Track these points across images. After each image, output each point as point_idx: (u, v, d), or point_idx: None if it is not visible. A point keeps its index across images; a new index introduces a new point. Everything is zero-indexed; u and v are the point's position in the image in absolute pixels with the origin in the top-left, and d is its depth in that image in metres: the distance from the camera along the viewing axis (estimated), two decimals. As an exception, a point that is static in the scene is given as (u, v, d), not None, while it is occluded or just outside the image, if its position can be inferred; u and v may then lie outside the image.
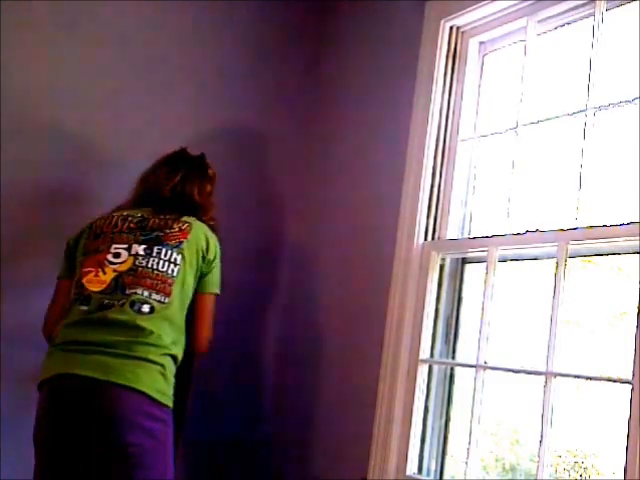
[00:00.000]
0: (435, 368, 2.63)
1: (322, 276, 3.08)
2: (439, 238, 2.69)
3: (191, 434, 2.78)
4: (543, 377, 2.21)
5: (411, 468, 2.57)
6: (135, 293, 2.23)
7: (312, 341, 3.05)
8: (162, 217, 2.38)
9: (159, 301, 2.24)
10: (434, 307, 2.64)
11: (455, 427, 2.59)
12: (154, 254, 2.30)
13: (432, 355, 2.63)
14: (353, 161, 3.06)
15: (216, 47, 3.15)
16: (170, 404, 2.20)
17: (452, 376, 2.63)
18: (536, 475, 2.17)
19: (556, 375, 2.19)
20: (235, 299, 3.08)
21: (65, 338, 2.21)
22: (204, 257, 2.38)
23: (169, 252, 2.31)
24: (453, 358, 2.65)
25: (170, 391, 2.21)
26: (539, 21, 2.56)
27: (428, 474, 2.58)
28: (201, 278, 2.39)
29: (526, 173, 2.51)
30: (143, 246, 2.31)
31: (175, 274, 2.29)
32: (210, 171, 2.57)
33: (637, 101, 2.22)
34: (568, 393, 2.23)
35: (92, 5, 2.88)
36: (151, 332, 2.19)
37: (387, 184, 2.85)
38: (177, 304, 2.29)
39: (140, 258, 2.29)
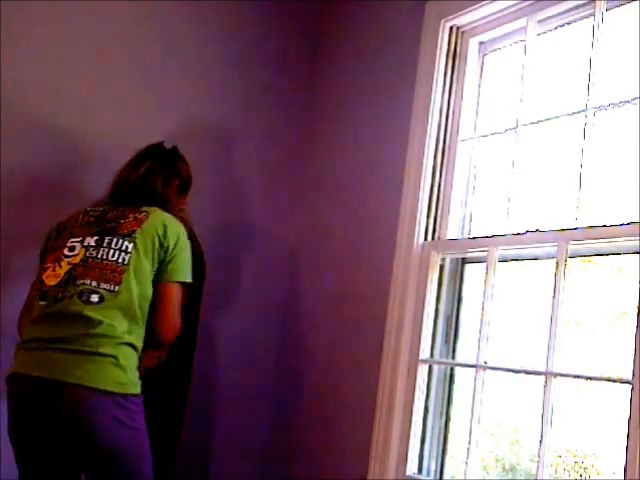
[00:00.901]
0: (435, 368, 2.63)
1: (322, 276, 3.08)
2: (439, 238, 2.69)
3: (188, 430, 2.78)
4: (543, 377, 2.21)
5: (411, 468, 2.57)
6: (83, 284, 2.21)
7: (312, 341, 3.05)
8: (121, 209, 2.35)
9: (108, 290, 2.21)
10: (434, 307, 2.64)
11: (455, 427, 2.59)
12: (104, 244, 2.28)
13: (432, 355, 2.63)
14: (353, 161, 3.06)
15: (213, 46, 3.15)
16: (134, 390, 2.17)
17: (452, 376, 2.63)
18: (536, 475, 2.17)
19: (556, 375, 2.19)
20: (231, 298, 3.09)
21: (27, 336, 2.24)
22: (161, 244, 2.29)
23: (120, 241, 2.28)
24: (453, 358, 2.65)
25: (130, 379, 2.17)
26: (539, 21, 2.56)
27: (428, 474, 2.58)
28: (162, 267, 2.31)
29: (526, 173, 2.51)
30: (95, 237, 2.30)
31: (126, 262, 2.25)
32: (181, 164, 2.53)
33: (637, 101, 2.22)
34: (568, 393, 2.23)
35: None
36: (100, 322, 2.16)
37: (387, 184, 2.85)
38: (130, 292, 2.23)
39: (91, 249, 2.28)
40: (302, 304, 3.15)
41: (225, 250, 3.07)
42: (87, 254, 2.27)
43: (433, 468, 2.59)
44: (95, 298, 2.20)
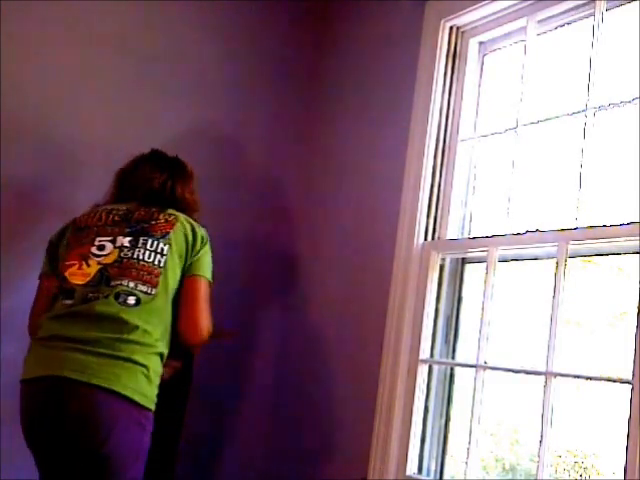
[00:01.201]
0: (435, 368, 2.63)
1: (322, 276, 3.08)
2: (439, 238, 2.69)
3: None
4: (543, 377, 2.21)
5: (411, 468, 2.57)
6: (120, 285, 2.16)
7: (312, 341, 3.05)
8: (147, 209, 2.32)
9: (145, 292, 2.17)
10: (434, 307, 2.64)
11: (455, 427, 2.59)
12: (139, 245, 2.23)
13: (432, 355, 2.63)
14: (353, 161, 3.06)
15: (212, 46, 3.15)
16: (151, 407, 2.14)
17: (452, 376, 2.63)
18: (536, 475, 2.17)
19: (556, 375, 2.19)
20: (231, 298, 3.09)
21: (48, 332, 2.15)
22: (193, 247, 2.28)
23: (155, 242, 2.24)
24: (453, 358, 2.65)
25: (153, 393, 2.15)
26: (539, 21, 2.56)
27: (428, 474, 2.58)
28: (187, 264, 2.27)
29: (526, 173, 2.51)
30: (128, 238, 2.25)
31: (162, 264, 2.22)
32: (189, 168, 2.53)
33: (637, 101, 2.22)
34: (568, 393, 2.23)
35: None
36: (136, 327, 2.11)
37: (387, 184, 2.85)
38: (166, 295, 2.21)
39: (125, 250, 2.23)
40: (302, 304, 3.15)
41: (225, 251, 3.07)
42: (122, 254, 2.22)
43: (433, 468, 2.59)
44: (132, 300, 2.15)
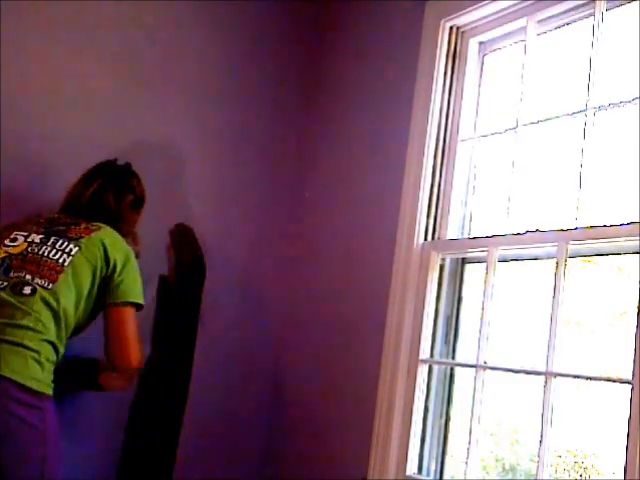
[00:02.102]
0: (435, 368, 2.63)
1: (322, 276, 3.08)
2: (439, 238, 2.69)
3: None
4: (543, 377, 2.21)
5: (411, 468, 2.57)
6: (18, 276, 2.18)
7: (312, 341, 3.05)
8: (74, 218, 2.35)
9: (42, 285, 2.18)
10: (434, 307, 2.64)
11: (455, 427, 2.60)
12: (49, 243, 2.26)
13: (432, 355, 2.63)
14: (353, 161, 3.06)
15: (212, 47, 3.14)
16: (48, 391, 2.11)
17: (452, 376, 2.63)
18: (536, 475, 2.17)
19: (556, 375, 2.19)
20: (230, 297, 3.09)
21: None
22: (107, 257, 2.28)
23: (65, 243, 2.26)
24: (453, 358, 2.65)
25: (48, 379, 2.12)
26: (539, 21, 2.56)
27: (428, 474, 2.58)
28: (110, 285, 2.28)
29: (526, 173, 2.51)
30: (41, 235, 2.28)
31: (66, 264, 2.23)
32: (133, 180, 2.53)
33: (637, 101, 2.22)
34: (568, 393, 2.23)
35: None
36: (28, 314, 2.12)
37: (387, 184, 2.85)
38: (65, 294, 2.20)
39: (34, 245, 2.26)
40: (302, 304, 3.15)
41: (224, 252, 3.07)
42: (29, 249, 2.25)
43: (433, 468, 2.59)
44: (27, 290, 2.17)
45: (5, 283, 2.18)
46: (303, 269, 3.19)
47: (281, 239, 3.24)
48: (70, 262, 2.24)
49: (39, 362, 2.10)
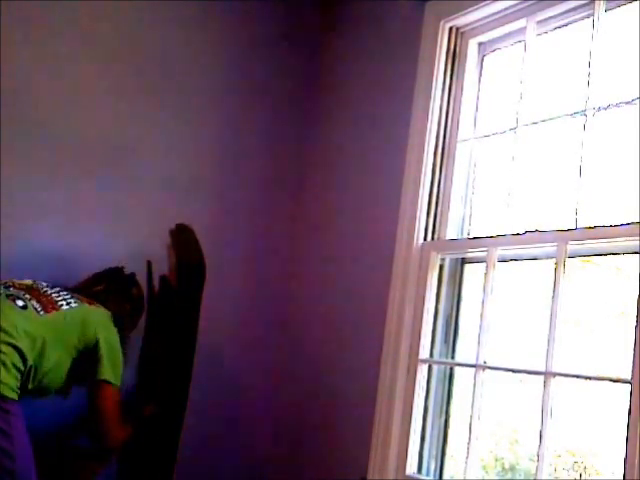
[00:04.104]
0: (435, 368, 2.63)
1: (322, 276, 3.08)
2: (439, 238, 2.69)
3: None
4: (542, 377, 2.22)
5: (411, 467, 2.57)
6: (17, 293, 2.26)
7: (312, 340, 3.05)
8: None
9: (35, 308, 2.25)
10: (434, 307, 2.65)
11: (455, 426, 2.60)
12: (54, 289, 2.37)
13: (432, 355, 2.64)
14: (353, 161, 3.06)
15: (212, 47, 3.15)
16: (12, 395, 2.11)
17: (452, 376, 2.64)
18: (535, 475, 2.17)
19: (555, 375, 2.20)
20: (230, 298, 3.09)
21: None
22: (98, 329, 2.34)
23: (68, 295, 2.37)
24: (453, 358, 2.66)
25: (13, 383, 2.12)
26: (538, 22, 2.57)
27: (428, 473, 2.59)
28: (91, 358, 2.33)
29: (526, 173, 2.52)
30: (49, 284, 2.39)
31: (63, 308, 2.31)
32: (134, 290, 2.62)
33: (637, 101, 2.22)
34: (568, 393, 2.23)
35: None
36: (8, 319, 2.16)
37: (387, 184, 2.85)
38: (51, 329, 2.25)
39: (39, 284, 2.36)
40: (302, 304, 3.15)
41: (224, 250, 3.08)
42: (34, 285, 2.35)
43: (433, 467, 2.60)
44: (20, 303, 2.24)
45: (1, 291, 2.27)
46: (303, 269, 3.19)
47: (281, 239, 3.24)
48: (67, 310, 2.32)
49: (4, 364, 2.11)
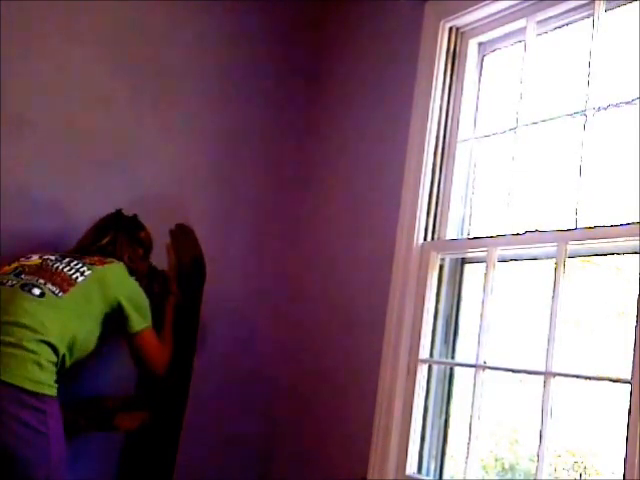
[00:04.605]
0: (435, 368, 2.63)
1: (322, 276, 3.08)
2: (439, 238, 2.69)
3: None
4: (542, 377, 2.22)
5: (411, 467, 2.57)
6: (29, 279, 2.24)
7: (311, 341, 3.05)
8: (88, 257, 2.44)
9: (52, 291, 2.23)
10: (434, 307, 2.65)
11: (455, 427, 2.60)
12: (64, 261, 2.34)
13: (432, 355, 2.64)
14: (353, 161, 3.06)
15: (212, 49, 3.15)
16: (50, 392, 2.11)
17: (452, 376, 2.64)
18: (535, 475, 2.17)
19: (555, 375, 2.20)
20: (230, 298, 3.10)
21: None
22: (118, 286, 2.37)
23: (80, 264, 2.35)
24: (453, 358, 2.66)
25: (50, 379, 2.12)
26: (538, 22, 2.57)
27: (428, 474, 2.59)
28: (120, 315, 2.36)
29: (525, 173, 2.52)
30: (56, 255, 2.37)
31: (78, 281, 2.29)
32: (142, 233, 2.60)
33: (637, 101, 2.22)
34: (567, 393, 2.23)
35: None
36: (30, 313, 2.15)
37: (387, 184, 2.85)
38: (72, 306, 2.25)
39: (48, 260, 2.34)
40: (301, 304, 3.15)
41: (224, 250, 3.08)
42: (43, 263, 2.32)
43: (433, 468, 2.60)
44: (37, 291, 2.22)
45: (15, 282, 2.23)
46: (303, 269, 3.19)
47: (281, 239, 3.24)
48: (83, 281, 2.30)
49: (38, 363, 2.10)
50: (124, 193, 2.90)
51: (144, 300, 2.44)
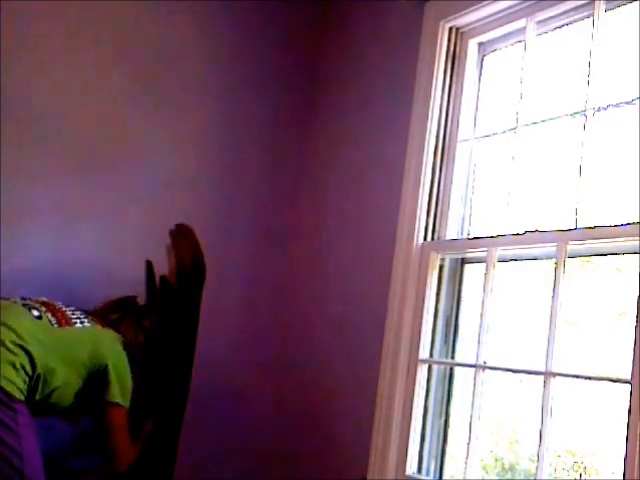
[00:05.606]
0: (434, 368, 2.63)
1: (322, 276, 3.08)
2: (439, 238, 2.69)
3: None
4: (542, 377, 2.22)
5: (411, 467, 2.57)
6: (33, 304, 2.29)
7: (312, 341, 3.05)
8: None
9: (50, 320, 2.28)
10: (434, 307, 2.65)
11: (455, 427, 2.60)
12: (69, 309, 2.38)
13: (432, 355, 2.64)
14: (353, 161, 3.06)
15: (213, 50, 3.15)
16: (19, 396, 2.12)
17: (451, 376, 2.64)
18: (535, 475, 2.17)
19: (555, 375, 2.20)
20: (230, 297, 3.10)
21: None
22: (107, 353, 2.35)
23: (83, 315, 2.39)
24: (452, 358, 2.66)
25: (21, 384, 2.13)
26: (538, 22, 2.57)
27: (428, 474, 2.59)
28: (101, 380, 2.34)
29: (525, 173, 2.52)
30: (62, 302, 2.40)
31: (76, 326, 2.33)
32: (147, 322, 2.61)
33: (636, 101, 2.22)
34: (567, 393, 2.23)
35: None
36: (23, 325, 2.18)
37: (387, 184, 2.85)
38: (63, 342, 2.27)
39: (55, 302, 2.38)
40: (302, 304, 3.15)
41: (224, 250, 3.08)
42: (49, 302, 2.36)
43: (433, 467, 2.60)
44: (35, 313, 2.27)
45: (18, 301, 2.30)
46: (304, 269, 3.19)
47: (281, 239, 3.24)
48: (80, 329, 2.34)
49: (13, 365, 2.13)
50: (124, 193, 2.90)
51: (129, 380, 2.41)
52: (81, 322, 2.36)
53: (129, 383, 2.40)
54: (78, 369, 2.31)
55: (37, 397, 2.22)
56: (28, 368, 2.17)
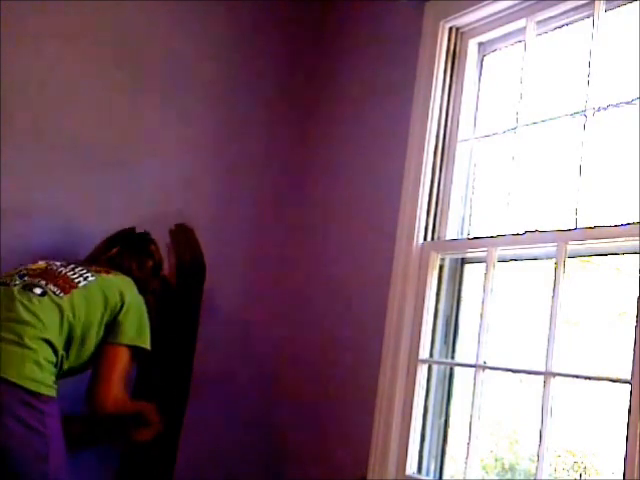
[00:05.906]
0: (434, 368, 2.63)
1: (322, 276, 3.08)
2: (439, 238, 2.69)
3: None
4: (542, 377, 2.22)
5: (411, 467, 2.57)
6: (32, 280, 2.23)
7: (312, 341, 3.05)
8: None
9: (54, 292, 2.21)
10: (434, 307, 2.65)
11: (455, 427, 2.60)
12: (69, 267, 2.32)
13: (432, 355, 2.64)
14: (353, 161, 3.06)
15: (214, 50, 3.15)
16: (48, 392, 2.08)
17: (451, 376, 2.64)
18: (535, 475, 2.17)
19: (555, 375, 2.20)
20: (230, 296, 3.09)
21: None
22: (120, 297, 2.30)
23: (84, 270, 2.32)
24: (452, 358, 2.66)
25: (48, 380, 2.09)
26: (538, 22, 2.57)
27: (427, 474, 2.59)
28: (113, 324, 2.28)
29: (525, 173, 2.52)
30: (62, 262, 2.35)
31: (81, 285, 2.26)
32: (152, 247, 2.57)
33: (636, 101, 2.22)
34: (567, 393, 2.23)
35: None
36: (30, 310, 2.13)
37: (387, 184, 2.85)
38: (72, 308, 2.21)
39: (53, 265, 2.32)
40: (301, 304, 3.15)
41: (224, 250, 3.08)
42: (48, 267, 2.31)
43: (433, 467, 2.60)
44: (38, 290, 2.20)
45: (17, 282, 2.23)
46: (303, 269, 3.19)
47: (281, 239, 3.24)
48: (85, 285, 2.28)
49: (37, 362, 2.08)
50: (124, 193, 2.90)
51: (146, 321, 2.35)
52: (84, 278, 2.29)
53: (146, 324, 2.34)
54: (94, 324, 2.25)
55: (65, 367, 2.20)
56: (52, 358, 2.13)
